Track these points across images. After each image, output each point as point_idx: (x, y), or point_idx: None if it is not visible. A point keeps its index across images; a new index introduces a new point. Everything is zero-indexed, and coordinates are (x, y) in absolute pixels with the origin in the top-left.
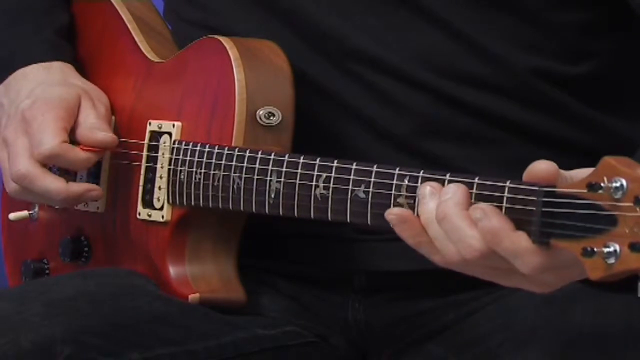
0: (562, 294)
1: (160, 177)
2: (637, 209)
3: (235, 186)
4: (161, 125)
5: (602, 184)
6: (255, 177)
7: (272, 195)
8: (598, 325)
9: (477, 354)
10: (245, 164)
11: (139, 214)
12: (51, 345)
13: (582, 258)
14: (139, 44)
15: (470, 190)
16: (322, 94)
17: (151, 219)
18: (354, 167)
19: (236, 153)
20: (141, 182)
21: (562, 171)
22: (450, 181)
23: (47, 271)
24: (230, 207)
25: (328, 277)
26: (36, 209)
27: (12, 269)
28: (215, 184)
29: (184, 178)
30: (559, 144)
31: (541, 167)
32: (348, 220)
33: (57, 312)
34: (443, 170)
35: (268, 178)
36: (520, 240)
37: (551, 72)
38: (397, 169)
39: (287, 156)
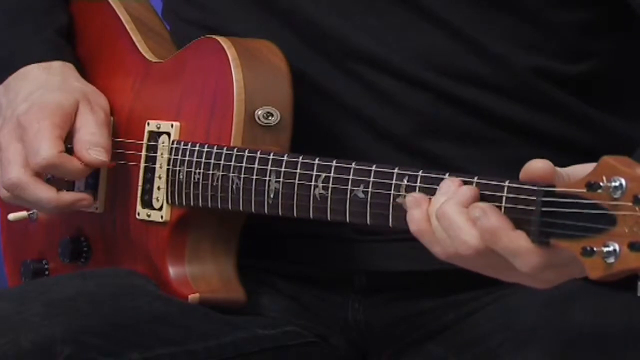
0: (562, 294)
1: (159, 177)
2: (637, 209)
3: (234, 186)
4: (160, 125)
5: (601, 184)
6: (254, 177)
7: (271, 195)
8: (598, 325)
9: (477, 354)
10: (244, 164)
11: (138, 214)
12: (51, 345)
13: (582, 258)
14: (137, 44)
15: None
16: (321, 94)
17: (150, 219)
18: (353, 167)
19: (235, 153)
20: (140, 182)
21: (558, 169)
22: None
23: (46, 271)
24: (230, 207)
25: (328, 277)
26: (35, 210)
27: (12, 269)
28: (214, 184)
29: (182, 178)
30: (559, 144)
31: (537, 166)
32: (347, 220)
33: (57, 312)
34: (443, 170)
35: (267, 178)
36: (519, 240)
37: (551, 72)
38: (396, 168)
39: (286, 156)
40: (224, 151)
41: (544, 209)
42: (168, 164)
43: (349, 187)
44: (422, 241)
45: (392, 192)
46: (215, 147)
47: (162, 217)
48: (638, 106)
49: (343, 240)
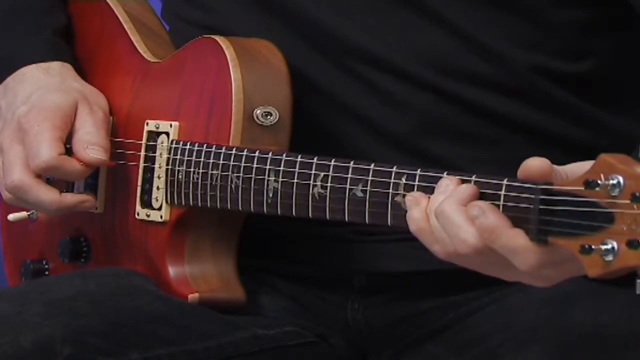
0: (562, 294)
1: (158, 177)
2: (634, 206)
3: (233, 186)
4: (159, 125)
5: (599, 182)
6: (253, 176)
7: (270, 195)
8: (598, 325)
9: (477, 354)
10: (243, 164)
11: (138, 214)
12: (51, 345)
13: (580, 255)
14: (136, 44)
15: None
16: (321, 93)
17: (150, 219)
18: (351, 165)
19: (234, 153)
20: (139, 182)
21: (556, 167)
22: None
23: (46, 272)
24: (229, 206)
25: (328, 277)
26: (35, 210)
27: (12, 269)
28: (214, 183)
29: (182, 178)
30: (560, 142)
31: (535, 164)
32: (346, 219)
33: (57, 312)
34: (442, 169)
35: (266, 177)
36: (517, 238)
37: (551, 71)
38: (395, 167)
39: (284, 155)
40: (223, 151)
41: (542, 207)
42: (167, 164)
43: (348, 186)
44: (422, 240)
45: (390, 190)
46: (214, 147)
47: (161, 217)
48: (638, 105)
49: (343, 241)
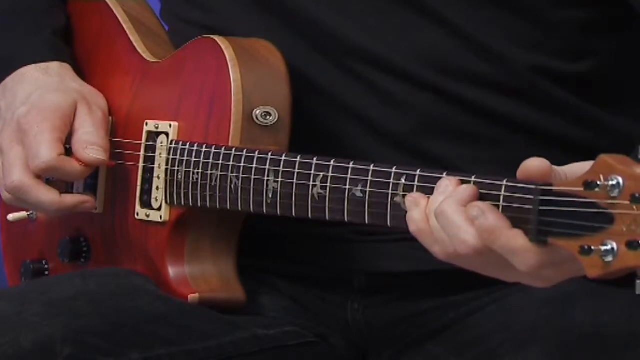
0: (562, 294)
1: (158, 178)
2: (634, 207)
3: (232, 186)
4: (158, 125)
5: (598, 182)
6: (253, 176)
7: (270, 195)
8: (598, 325)
9: (477, 354)
10: (242, 164)
11: (137, 214)
12: (51, 345)
13: (580, 256)
14: (135, 44)
15: None
16: (321, 93)
17: (149, 219)
18: (350, 166)
19: (233, 153)
20: (139, 183)
21: (556, 167)
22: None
23: (46, 272)
24: (228, 207)
25: (328, 277)
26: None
27: (12, 269)
28: (213, 184)
29: (181, 178)
30: (560, 142)
31: (534, 165)
32: (346, 219)
33: (57, 312)
34: (442, 169)
35: (265, 178)
36: (517, 238)
37: (552, 70)
38: (394, 167)
39: (284, 156)
40: (223, 151)
41: (541, 208)
42: (167, 164)
43: (347, 186)
44: (421, 241)
45: (389, 191)
46: (213, 147)
47: (161, 217)
48: (638, 105)
49: (343, 241)
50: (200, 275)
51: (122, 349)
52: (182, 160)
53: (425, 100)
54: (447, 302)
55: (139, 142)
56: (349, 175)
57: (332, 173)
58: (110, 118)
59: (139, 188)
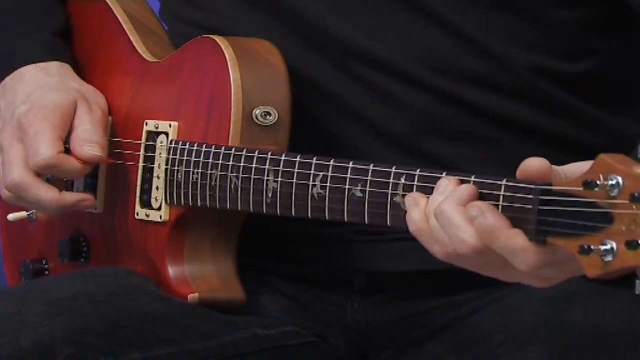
0: (562, 294)
1: (158, 178)
2: (634, 207)
3: (232, 186)
4: (158, 125)
5: (598, 182)
6: (253, 176)
7: (270, 195)
8: (598, 325)
9: (477, 354)
10: (242, 164)
11: (137, 214)
12: (51, 345)
13: (580, 256)
14: (135, 44)
15: None
16: (321, 94)
17: (149, 219)
18: (350, 166)
19: (233, 153)
20: (139, 183)
21: (556, 167)
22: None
23: (46, 272)
24: (228, 207)
25: (328, 277)
26: (35, 210)
27: (12, 269)
28: (213, 184)
29: (181, 178)
30: (560, 143)
31: (534, 164)
32: (346, 219)
33: (57, 312)
34: (442, 169)
35: (265, 178)
36: (516, 238)
37: (551, 71)
38: (394, 168)
39: (284, 156)
40: (222, 151)
41: (541, 207)
42: (166, 164)
43: (347, 186)
44: (421, 241)
45: (389, 191)
46: (213, 147)
47: (161, 217)
48: (637, 105)
49: (343, 241)
50: (200, 275)
51: (122, 349)
52: (182, 160)
53: (425, 100)
54: (447, 302)
55: (139, 142)
56: (348, 175)
57: (332, 173)
58: (110, 118)
59: (139, 188)
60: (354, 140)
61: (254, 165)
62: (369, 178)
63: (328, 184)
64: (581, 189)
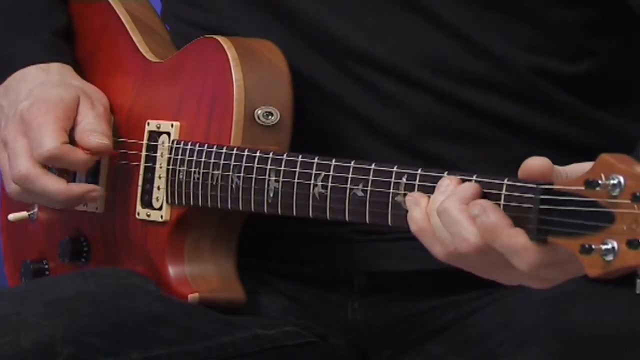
0: (562, 294)
1: (159, 177)
2: (635, 206)
3: (233, 186)
4: (160, 125)
5: (599, 181)
6: (254, 176)
7: (271, 195)
8: (598, 325)
9: (477, 354)
10: (243, 164)
11: (138, 213)
12: (51, 345)
13: (580, 255)
14: (137, 44)
15: None
16: (321, 94)
17: (150, 219)
18: (352, 165)
19: (235, 153)
20: (140, 182)
21: (557, 167)
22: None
23: (46, 271)
24: (229, 206)
25: (328, 277)
26: (35, 210)
27: (12, 269)
28: (214, 183)
29: (182, 178)
30: (560, 143)
31: (535, 163)
32: (347, 219)
33: (57, 312)
34: (443, 169)
35: (267, 177)
36: (517, 237)
37: (551, 71)
38: (395, 167)
39: (285, 155)
40: (224, 151)
41: (542, 206)
42: (168, 164)
43: (348, 185)
44: (422, 241)
45: (391, 190)
46: (215, 147)
47: (162, 217)
48: (638, 105)
49: (343, 240)
50: (200, 275)
51: (122, 349)
52: (184, 160)
53: (425, 101)
54: (447, 302)
55: (141, 141)
56: (350, 175)
57: (333, 172)
58: (112, 117)
59: (140, 188)
60: (354, 140)
61: (255, 165)
62: (370, 177)
63: (329, 184)
64: (582, 188)
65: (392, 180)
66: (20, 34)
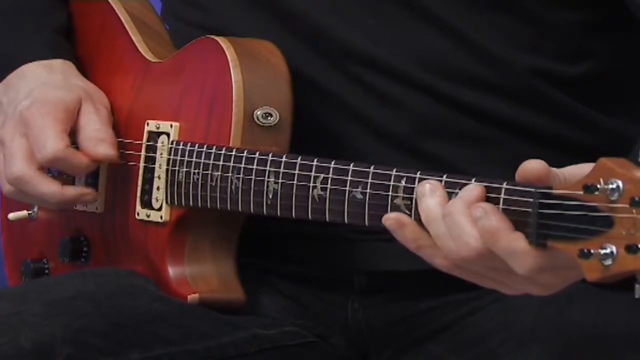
0: (562, 294)
1: (159, 178)
2: (633, 211)
3: (233, 187)
4: (159, 125)
5: (598, 186)
6: (253, 177)
7: (270, 196)
8: (598, 325)
9: (477, 354)
10: (243, 165)
11: (138, 214)
12: (51, 345)
13: (579, 260)
14: (137, 44)
15: None
16: (321, 95)
17: (150, 219)
18: (351, 168)
19: (234, 153)
20: (139, 183)
21: (555, 169)
22: (446, 182)
23: (46, 271)
24: (229, 207)
25: (328, 277)
26: (35, 209)
27: (12, 269)
28: (213, 184)
29: (182, 178)
30: (559, 144)
31: (532, 166)
32: (345, 221)
33: (57, 312)
34: (442, 170)
35: (266, 179)
36: (517, 241)
37: (550, 72)
38: (394, 170)
39: (284, 157)
40: (223, 151)
41: (541, 210)
42: (167, 164)
43: (347, 188)
44: (422, 255)
45: (390, 193)
46: (214, 148)
47: (161, 217)
48: (637, 106)
49: (343, 240)
50: (200, 276)
51: (122, 349)
52: (183, 160)
53: (424, 102)
54: (447, 302)
55: (140, 142)
56: (349, 177)
57: (333, 175)
58: (112, 117)
59: (139, 188)
60: (354, 141)
61: (254, 166)
62: (370, 180)
63: (328, 186)
64: (581, 192)
65: (391, 183)
66: (21, 33)
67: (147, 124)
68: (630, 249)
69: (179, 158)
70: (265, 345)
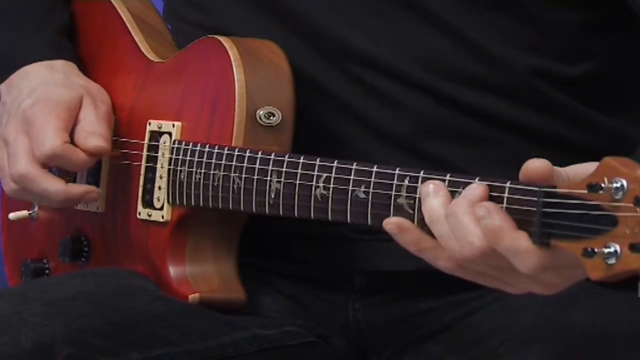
0: (564, 293)
1: (160, 177)
2: (638, 210)
3: (235, 186)
4: (161, 125)
5: (602, 185)
6: (255, 177)
7: (272, 196)
8: (599, 325)
9: (478, 353)
10: (245, 164)
11: (139, 213)
12: (51, 345)
13: (583, 259)
14: (139, 43)
15: None
16: (322, 94)
17: (151, 219)
18: (354, 167)
19: (236, 153)
20: (141, 182)
21: (558, 168)
22: (450, 182)
23: (47, 271)
24: (230, 207)
25: (328, 277)
26: (36, 209)
27: (12, 268)
28: (215, 184)
29: (184, 178)
30: (560, 144)
31: (535, 165)
32: (348, 220)
33: (57, 312)
34: (443, 170)
35: (268, 178)
36: (520, 240)
37: (551, 72)
38: (397, 169)
39: (287, 156)
40: (225, 151)
41: (544, 209)
42: (169, 164)
43: (350, 187)
44: (425, 258)
45: (393, 192)
46: (216, 147)
47: (163, 217)
48: (637, 106)
49: (343, 240)
50: (200, 276)
51: (122, 349)
52: (185, 160)
53: (424, 102)
54: (448, 302)
55: (142, 141)
56: (352, 177)
57: (335, 174)
58: (114, 117)
59: (141, 187)
60: (355, 141)
61: (256, 166)
62: (373, 179)
63: (331, 185)
64: (585, 191)
65: (395, 182)
66: (23, 33)
67: (149, 123)
68: (634, 247)
69: (180, 158)
70: (265, 345)
